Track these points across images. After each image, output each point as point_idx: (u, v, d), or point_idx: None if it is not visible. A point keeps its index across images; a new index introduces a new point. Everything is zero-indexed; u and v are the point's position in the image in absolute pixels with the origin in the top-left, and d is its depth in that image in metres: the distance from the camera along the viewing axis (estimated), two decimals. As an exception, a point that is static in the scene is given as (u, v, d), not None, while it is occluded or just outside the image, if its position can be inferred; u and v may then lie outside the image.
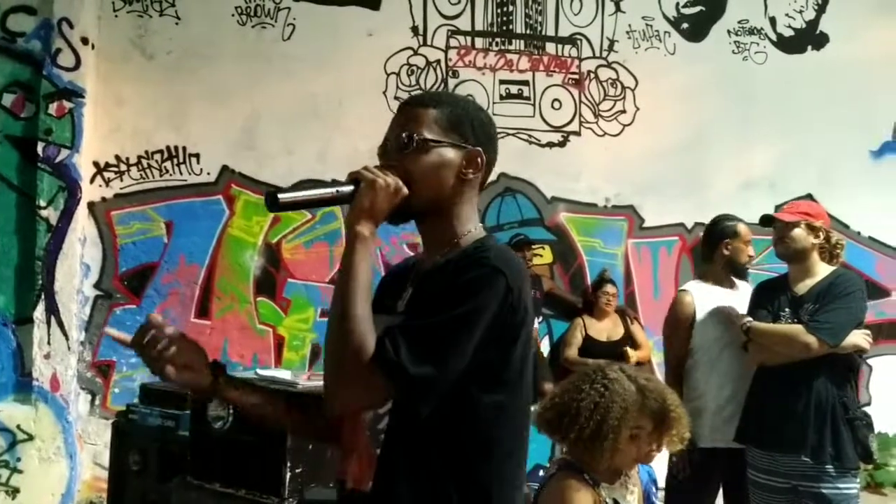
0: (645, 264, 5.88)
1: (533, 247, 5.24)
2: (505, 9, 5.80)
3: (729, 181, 5.91)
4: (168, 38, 5.32)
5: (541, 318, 5.44)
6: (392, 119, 1.48)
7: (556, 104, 5.83)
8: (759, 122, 5.99)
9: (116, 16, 5.25)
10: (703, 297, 3.37)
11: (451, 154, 1.43)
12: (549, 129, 5.78)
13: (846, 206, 5.99)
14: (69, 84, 5.00)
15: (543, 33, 5.85)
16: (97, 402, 5.17)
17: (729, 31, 6.07)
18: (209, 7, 5.40)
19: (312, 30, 5.49)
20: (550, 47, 5.86)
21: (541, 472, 4.35)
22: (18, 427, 4.88)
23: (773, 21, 6.14)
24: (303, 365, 5.27)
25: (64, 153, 4.99)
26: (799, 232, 3.11)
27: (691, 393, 3.28)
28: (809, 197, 5.60)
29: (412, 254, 4.83)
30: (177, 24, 5.33)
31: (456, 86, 5.63)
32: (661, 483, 3.42)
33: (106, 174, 5.24)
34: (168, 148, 5.32)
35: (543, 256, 5.60)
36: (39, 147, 4.95)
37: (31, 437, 4.90)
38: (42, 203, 4.95)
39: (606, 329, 5.09)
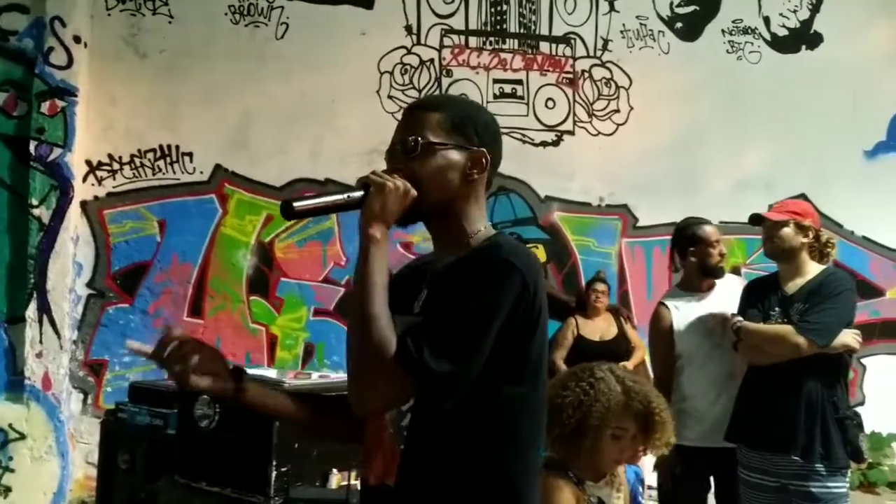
0: (639, 264, 5.88)
1: (527, 246, 5.22)
2: (499, 8, 5.80)
3: (723, 181, 5.92)
4: (161, 37, 5.32)
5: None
6: (397, 123, 1.51)
7: (550, 103, 5.83)
8: (754, 121, 5.98)
9: (109, 14, 5.25)
10: (680, 307, 3.37)
11: (456, 156, 1.46)
12: (542, 128, 5.78)
13: (840, 206, 5.99)
14: (62, 83, 5.00)
15: (537, 32, 5.85)
16: (89, 401, 5.17)
17: (723, 31, 6.07)
18: (202, 6, 5.39)
19: (306, 29, 5.49)
20: (544, 46, 5.86)
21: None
22: (10, 426, 4.88)
23: (767, 21, 6.14)
24: (296, 364, 5.27)
25: (56, 152, 4.99)
26: (787, 231, 3.10)
27: (678, 396, 3.29)
28: (803, 196, 5.60)
29: (406, 253, 4.88)
30: (170, 22, 5.33)
31: (450, 85, 5.63)
32: (650, 482, 3.45)
33: (98, 173, 5.23)
34: (161, 147, 5.32)
35: (537, 256, 5.59)
36: (32, 146, 4.95)
37: (22, 436, 4.90)
38: (34, 202, 4.95)
39: (600, 329, 5.08)
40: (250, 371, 3.05)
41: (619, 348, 4.92)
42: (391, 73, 5.60)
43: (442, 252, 1.51)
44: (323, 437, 1.64)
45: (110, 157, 5.25)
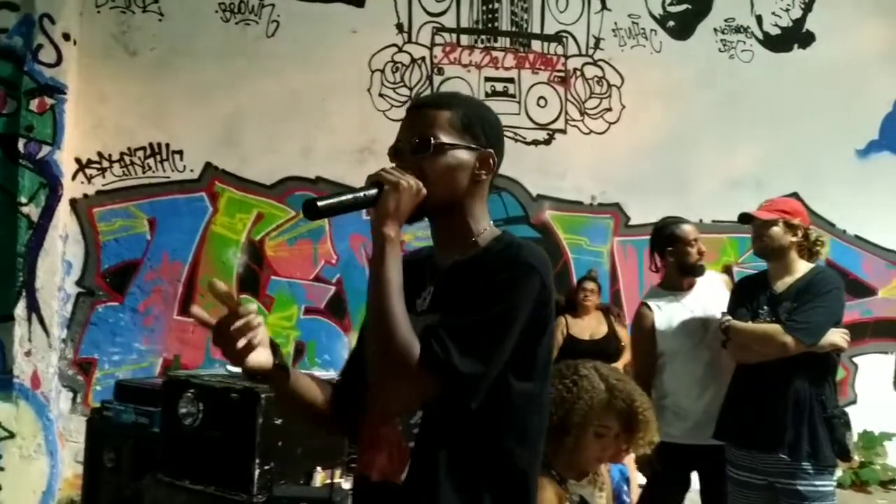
0: (630, 262, 5.87)
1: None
2: (490, 6, 5.79)
3: (715, 179, 5.91)
4: (151, 35, 5.31)
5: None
6: (404, 120, 1.50)
7: (542, 102, 5.82)
8: (746, 120, 5.97)
9: (99, 12, 5.23)
10: (662, 307, 3.37)
11: (465, 156, 1.46)
12: (534, 126, 5.77)
13: (832, 205, 5.99)
14: (51, 80, 4.99)
15: (529, 31, 5.84)
16: (79, 399, 5.15)
17: (715, 30, 6.05)
18: (192, 3, 5.38)
19: (296, 27, 5.47)
20: (536, 45, 5.85)
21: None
22: (-1, 424, 4.87)
23: (759, 19, 6.13)
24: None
25: (45, 150, 4.98)
26: (776, 230, 3.09)
27: (659, 393, 3.29)
28: (795, 195, 5.59)
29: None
30: (160, 20, 5.31)
31: (441, 83, 5.62)
32: (641, 480, 3.44)
33: (88, 171, 5.22)
34: (151, 145, 5.30)
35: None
36: (20, 143, 4.93)
37: (11, 435, 4.89)
38: (23, 200, 4.94)
39: (589, 328, 5.06)
40: (233, 368, 3.05)
41: (609, 347, 4.89)
42: (382, 72, 5.59)
43: (445, 250, 1.51)
44: (319, 426, 1.59)
45: (100, 154, 5.24)
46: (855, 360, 5.96)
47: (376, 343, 1.35)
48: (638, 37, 5.95)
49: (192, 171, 5.34)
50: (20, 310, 4.90)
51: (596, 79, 5.90)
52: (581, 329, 5.06)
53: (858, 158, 6.17)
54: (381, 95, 5.57)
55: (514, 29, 5.82)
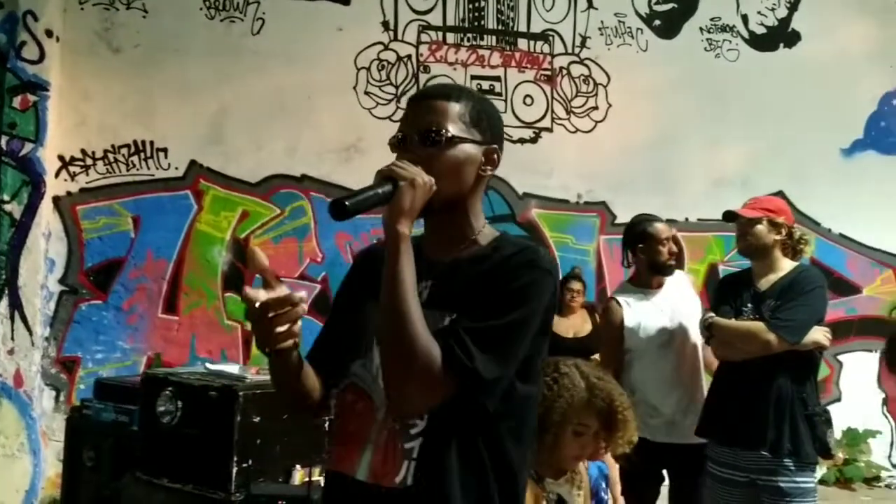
0: (617, 260, 5.81)
1: None
2: (476, 4, 5.78)
3: (701, 178, 5.92)
4: (135, 32, 5.28)
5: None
6: (408, 111, 1.46)
7: (528, 100, 5.82)
8: (731, 119, 5.99)
9: (82, 8, 5.20)
10: (632, 303, 3.37)
11: (473, 150, 1.44)
12: (521, 125, 5.77)
13: (817, 204, 6.01)
14: (33, 77, 4.95)
15: (515, 29, 5.84)
16: (62, 398, 5.12)
17: (701, 29, 6.07)
18: (177, 0, 5.36)
19: (282, 24, 5.45)
20: (522, 43, 5.85)
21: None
22: (-19, 423, 4.84)
23: (745, 18, 6.15)
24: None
25: (28, 147, 4.95)
26: (760, 228, 3.09)
27: (626, 391, 3.28)
28: (781, 194, 5.61)
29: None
30: (144, 17, 5.29)
31: (427, 81, 5.61)
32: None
33: (71, 168, 5.19)
34: (135, 142, 5.28)
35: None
36: (3, 141, 4.90)
37: (-6, 434, 4.86)
38: (5, 197, 4.91)
39: (573, 326, 5.07)
40: (212, 367, 3.05)
41: (592, 345, 4.88)
42: (368, 69, 5.57)
43: (440, 245, 1.47)
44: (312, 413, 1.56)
45: (83, 152, 5.21)
46: (840, 357, 5.99)
47: (395, 346, 1.31)
48: (624, 35, 5.95)
49: (176, 168, 5.32)
50: (2, 308, 4.87)
51: (582, 77, 5.90)
52: (566, 327, 5.07)
53: (843, 157, 6.20)
54: (366, 93, 5.55)
55: (500, 27, 5.82)
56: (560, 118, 5.86)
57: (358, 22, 5.55)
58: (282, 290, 1.30)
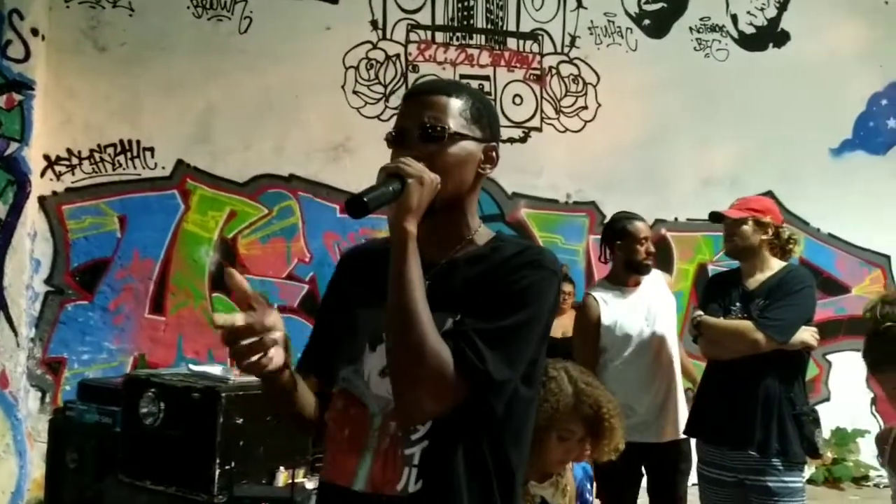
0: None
1: None
2: (466, 3, 5.77)
3: (690, 178, 5.93)
4: (121, 30, 5.24)
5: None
6: (407, 105, 1.42)
7: (518, 100, 5.81)
8: (721, 119, 6.00)
9: (68, 7, 5.15)
10: (608, 301, 3.37)
11: (474, 148, 1.40)
12: (510, 124, 5.75)
13: (806, 204, 6.03)
14: (19, 76, 4.91)
15: (504, 28, 5.83)
16: (47, 399, 5.07)
17: (691, 28, 6.08)
18: (164, -1, 5.33)
19: (270, 23, 5.42)
20: (511, 42, 5.84)
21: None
22: (-34, 425, 4.80)
23: (734, 18, 6.16)
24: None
25: (13, 146, 4.90)
26: (746, 229, 3.09)
27: None
28: (770, 194, 5.62)
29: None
30: (130, 15, 5.25)
31: (415, 80, 5.59)
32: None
33: (57, 168, 5.14)
34: (121, 141, 5.24)
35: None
36: (-12, 140, 4.86)
37: (-22, 436, 4.82)
38: (-10, 197, 4.87)
39: (562, 326, 5.03)
40: (196, 368, 3.02)
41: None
42: (356, 69, 5.55)
43: (435, 246, 1.40)
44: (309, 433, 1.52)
45: (69, 151, 5.16)
46: (829, 357, 6.01)
47: (406, 349, 1.26)
48: (614, 35, 5.95)
49: (163, 168, 5.28)
50: (-13, 309, 4.84)
51: (571, 77, 5.90)
52: (555, 327, 5.00)
53: (832, 157, 6.22)
54: (355, 93, 5.53)
55: (489, 26, 5.81)
56: (549, 118, 5.86)
57: (346, 21, 5.53)
58: (261, 314, 1.21)
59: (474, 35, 5.78)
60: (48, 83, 5.07)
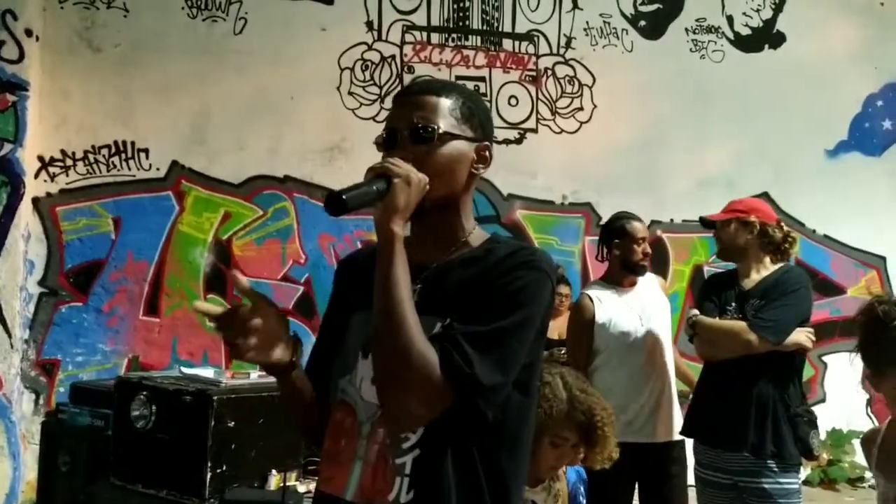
0: (602, 261, 5.85)
1: None
2: (461, 4, 5.76)
3: (686, 179, 5.93)
4: (116, 31, 5.23)
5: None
6: (396, 107, 1.40)
7: (513, 101, 5.80)
8: (716, 120, 6.00)
9: (62, 8, 5.15)
10: (603, 299, 3.37)
11: (465, 148, 1.38)
12: (505, 125, 5.75)
13: (802, 205, 6.03)
14: (13, 77, 4.90)
15: (500, 29, 5.83)
16: (41, 401, 5.06)
17: (686, 30, 6.07)
18: (158, 0, 5.31)
19: (265, 24, 5.42)
20: (507, 44, 5.83)
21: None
22: (-41, 427, 4.78)
23: (730, 20, 6.15)
24: (253, 364, 5.19)
25: (7, 147, 4.90)
26: (730, 230, 3.11)
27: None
28: (766, 195, 5.63)
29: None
30: (125, 16, 5.24)
31: (412, 81, 5.58)
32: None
33: (51, 169, 5.13)
34: (116, 143, 5.23)
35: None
36: (-18, 141, 4.85)
37: (-28, 438, 4.80)
38: (-16, 198, 4.85)
39: (558, 327, 5.03)
40: (187, 371, 3.01)
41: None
42: (352, 70, 5.54)
43: (427, 247, 1.40)
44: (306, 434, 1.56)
45: (63, 152, 5.15)
46: (824, 359, 6.00)
47: (391, 354, 1.24)
48: (609, 36, 5.95)
49: (158, 169, 5.27)
50: (-19, 311, 4.82)
51: (567, 78, 5.89)
52: (551, 329, 5.02)
53: (828, 159, 6.22)
54: (350, 94, 5.53)
55: (485, 27, 5.80)
56: (545, 119, 5.85)
57: (341, 22, 5.53)
58: (263, 313, 1.29)
59: (470, 36, 5.77)
60: (42, 84, 5.06)
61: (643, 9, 6.02)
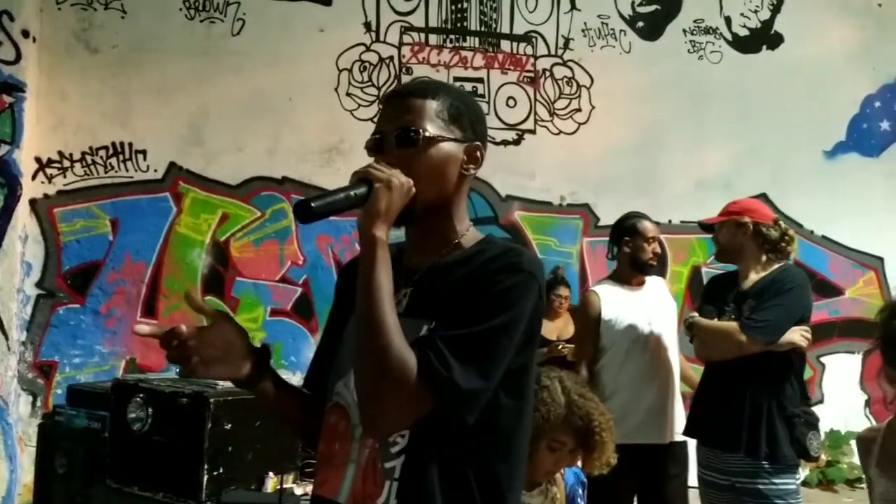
0: (600, 263, 5.82)
1: None
2: (459, 5, 5.76)
3: (684, 180, 5.92)
4: (113, 32, 5.23)
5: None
6: (384, 110, 1.40)
7: (511, 102, 5.80)
8: (714, 121, 6.00)
9: (59, 8, 5.14)
10: (609, 297, 3.37)
11: (453, 149, 1.37)
12: (503, 127, 5.75)
13: (800, 206, 6.02)
14: (9, 78, 4.90)
15: (498, 30, 5.82)
16: (38, 403, 5.05)
17: (684, 31, 6.07)
18: (156, 1, 5.31)
19: (263, 25, 5.41)
20: (505, 45, 5.83)
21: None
22: (-44, 429, 4.77)
23: (728, 21, 6.15)
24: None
25: (4, 149, 4.89)
26: (725, 232, 3.12)
27: (602, 394, 3.28)
28: (764, 196, 5.62)
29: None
30: (122, 17, 5.23)
31: (401, 83, 5.59)
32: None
33: (49, 170, 5.13)
34: (113, 144, 5.22)
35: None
36: (-23, 142, 4.84)
37: (-32, 440, 4.79)
38: (-19, 200, 4.84)
39: (557, 328, 5.05)
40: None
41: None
42: (350, 71, 5.54)
43: (421, 251, 1.41)
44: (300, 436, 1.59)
45: (61, 154, 5.15)
46: (822, 359, 6.01)
47: (368, 357, 1.24)
48: (607, 37, 5.95)
49: (155, 170, 5.26)
50: (-23, 312, 4.81)
51: (565, 79, 5.89)
52: (550, 330, 5.05)
53: (826, 159, 6.22)
54: (348, 95, 5.52)
55: (482, 29, 5.80)
56: (543, 120, 5.85)
57: (339, 23, 5.52)
58: (219, 327, 1.34)
59: (468, 37, 5.77)
60: (39, 85, 5.06)
61: (641, 10, 6.02)
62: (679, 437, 3.33)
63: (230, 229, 5.34)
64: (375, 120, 1.46)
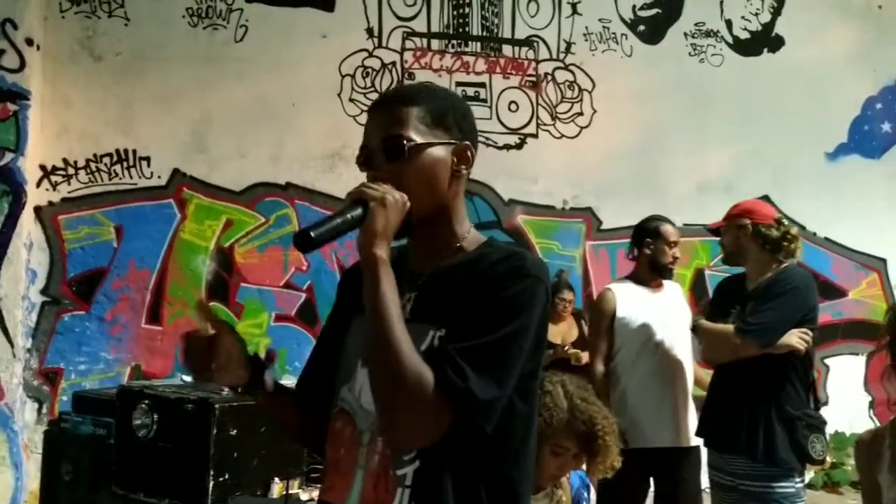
0: (603, 266, 5.86)
1: None
2: (461, 10, 5.77)
3: (686, 183, 5.92)
4: (117, 40, 5.25)
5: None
6: (368, 123, 1.39)
7: (513, 106, 5.81)
8: (716, 123, 6.00)
9: (63, 17, 5.16)
10: (625, 297, 3.38)
11: (441, 153, 1.36)
12: (506, 131, 5.76)
13: (802, 207, 6.00)
14: (13, 86, 4.92)
15: (500, 35, 5.84)
16: (44, 410, 5.06)
17: (685, 34, 6.07)
18: (159, 8, 5.32)
19: (265, 32, 5.43)
20: (507, 49, 5.84)
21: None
22: (-38, 437, 4.79)
23: (729, 23, 6.16)
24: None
25: (8, 156, 4.91)
26: (728, 235, 3.13)
27: (614, 394, 3.29)
28: (766, 198, 5.62)
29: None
30: (126, 25, 5.25)
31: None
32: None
33: (53, 178, 5.14)
34: (117, 151, 5.24)
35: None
36: (-17, 151, 4.86)
37: (-25, 447, 4.80)
38: (-14, 208, 4.86)
39: (561, 332, 5.07)
40: (186, 379, 3.01)
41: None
42: (352, 76, 5.55)
43: (423, 254, 1.41)
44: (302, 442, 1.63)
45: (65, 161, 5.16)
46: (826, 361, 6.00)
47: (384, 376, 1.24)
48: (609, 41, 5.96)
49: (159, 177, 5.28)
50: (-17, 320, 4.83)
51: (567, 83, 5.90)
52: (554, 334, 5.07)
53: (828, 161, 6.22)
54: (351, 100, 5.53)
55: (484, 33, 5.81)
56: (545, 124, 5.86)
57: (342, 29, 5.54)
58: (223, 336, 1.41)
59: (470, 42, 5.79)
60: (44, 93, 5.08)
61: (642, 13, 6.03)
62: (693, 441, 3.33)
63: (234, 235, 5.35)
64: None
